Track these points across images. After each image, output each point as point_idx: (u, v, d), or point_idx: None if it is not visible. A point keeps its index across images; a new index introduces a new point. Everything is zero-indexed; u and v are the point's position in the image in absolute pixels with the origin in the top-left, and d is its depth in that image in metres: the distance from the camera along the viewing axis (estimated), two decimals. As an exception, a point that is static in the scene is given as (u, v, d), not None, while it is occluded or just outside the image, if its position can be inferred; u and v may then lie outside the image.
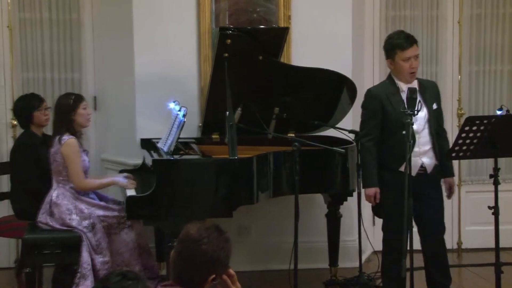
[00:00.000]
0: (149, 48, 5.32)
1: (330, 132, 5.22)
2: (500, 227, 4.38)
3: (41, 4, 5.65)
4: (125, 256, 4.73)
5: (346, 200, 5.15)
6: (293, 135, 5.08)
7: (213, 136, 5.15)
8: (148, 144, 5.15)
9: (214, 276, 2.60)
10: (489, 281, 4.83)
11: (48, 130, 5.09)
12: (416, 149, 4.36)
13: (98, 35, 5.73)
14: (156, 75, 5.30)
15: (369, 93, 4.61)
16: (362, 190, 4.92)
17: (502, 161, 5.43)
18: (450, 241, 5.68)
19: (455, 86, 6.06)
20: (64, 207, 4.65)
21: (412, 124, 4.06)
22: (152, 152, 4.98)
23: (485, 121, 4.19)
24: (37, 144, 5.04)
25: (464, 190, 5.97)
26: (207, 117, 5.05)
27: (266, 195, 4.58)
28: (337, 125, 5.14)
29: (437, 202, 4.59)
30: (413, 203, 4.41)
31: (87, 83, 5.76)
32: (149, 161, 4.84)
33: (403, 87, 4.46)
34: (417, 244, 4.60)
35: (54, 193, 4.70)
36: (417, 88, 4.45)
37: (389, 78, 4.57)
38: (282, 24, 5.37)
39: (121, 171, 5.18)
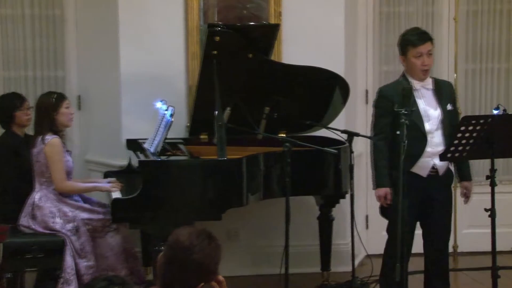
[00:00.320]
0: (135, 45, 5.32)
1: (322, 132, 5.24)
2: (497, 230, 4.40)
3: (23, -1, 5.65)
4: (110, 261, 4.73)
5: (338, 202, 5.17)
6: (284, 135, 5.09)
7: (202, 137, 5.16)
8: (134, 145, 5.15)
9: (203, 284, 2.61)
10: (486, 285, 4.85)
11: (30, 130, 5.09)
12: (428, 149, 4.40)
13: (82, 32, 5.73)
14: (142, 73, 5.30)
15: (381, 92, 4.64)
16: (355, 192, 4.95)
17: (499, 162, 5.47)
18: (445, 244, 5.71)
19: (451, 85, 6.10)
20: (47, 209, 4.64)
21: (407, 124, 4.08)
22: (138, 153, 4.98)
23: (481, 121, 4.21)
24: (18, 144, 5.03)
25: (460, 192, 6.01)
26: (195, 117, 5.06)
27: (256, 197, 4.59)
28: (329, 125, 5.15)
29: (446, 208, 4.62)
30: (421, 206, 4.47)
31: (71, 82, 5.75)
32: (135, 162, 4.85)
33: (416, 85, 4.50)
34: (415, 247, 4.65)
35: (37, 195, 4.69)
36: (432, 87, 4.50)
37: (403, 76, 4.60)
38: (272, 20, 5.38)
39: (106, 173, 5.19)
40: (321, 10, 5.49)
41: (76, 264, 4.56)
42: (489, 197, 4.35)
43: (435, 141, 4.49)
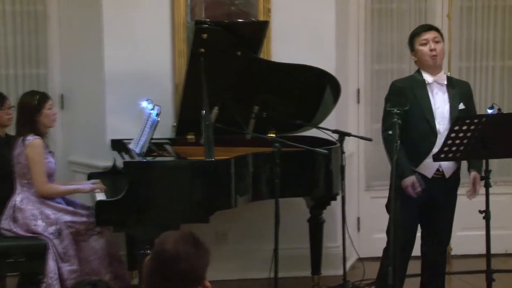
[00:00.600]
0: (120, 42, 5.31)
1: (313, 132, 5.25)
2: (492, 232, 4.41)
3: (4, -6, 5.64)
4: (94, 265, 4.72)
5: (329, 204, 5.18)
6: (274, 135, 5.09)
7: (189, 137, 5.16)
8: (118, 145, 5.15)
9: None
10: (480, 289, 4.88)
11: (12, 130, 5.07)
12: (435, 149, 4.41)
13: (65, 29, 5.72)
14: (127, 72, 5.30)
15: (393, 85, 4.67)
16: (347, 194, 4.96)
17: (494, 163, 5.48)
18: (439, 247, 5.73)
19: (444, 84, 6.12)
20: (28, 212, 4.63)
21: (399, 123, 4.09)
22: (123, 153, 4.98)
23: (475, 121, 4.23)
24: (-1, 145, 5.02)
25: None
26: (182, 117, 5.06)
27: (245, 199, 4.60)
28: (320, 125, 5.16)
29: (449, 212, 4.65)
30: (424, 208, 4.49)
31: (53, 80, 5.74)
32: (120, 164, 4.84)
33: (429, 79, 4.53)
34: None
35: (18, 198, 4.68)
36: (445, 83, 4.53)
37: (417, 71, 4.64)
38: (261, 17, 5.39)
39: (90, 174, 5.18)
40: (311, 7, 5.50)
41: (59, 268, 4.55)
42: (483, 198, 4.37)
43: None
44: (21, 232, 4.61)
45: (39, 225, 4.60)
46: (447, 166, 4.53)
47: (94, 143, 5.47)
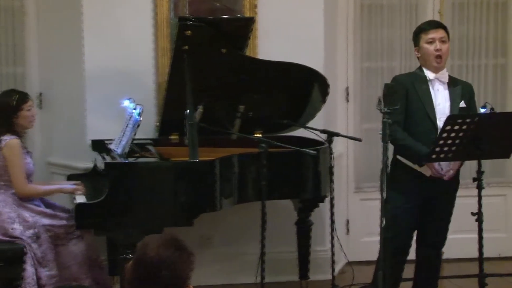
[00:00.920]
0: (101, 39, 5.30)
1: (301, 132, 5.26)
2: (484, 235, 4.44)
3: (-21, -10, 5.62)
4: (73, 270, 4.70)
5: (317, 206, 5.20)
6: (260, 135, 5.10)
7: (172, 137, 5.15)
8: (99, 146, 5.14)
9: None
10: (473, 293, 4.91)
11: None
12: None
13: (43, 25, 5.69)
14: (108, 70, 5.29)
15: (395, 80, 4.70)
16: (335, 195, 4.96)
17: (486, 164, 5.50)
18: (430, 250, 5.76)
19: (436, 82, 6.14)
20: (5, 215, 4.61)
21: (390, 123, 4.11)
22: (104, 154, 4.97)
23: (467, 120, 4.25)
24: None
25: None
26: (165, 116, 5.05)
27: (230, 201, 4.60)
28: (308, 125, 5.17)
29: (446, 214, 4.70)
30: (420, 208, 4.52)
31: (31, 78, 5.71)
32: (100, 165, 4.83)
33: (431, 76, 4.57)
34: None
35: (-6, 200, 4.67)
36: (446, 81, 4.58)
37: (419, 68, 4.69)
38: (247, 13, 5.39)
39: (70, 176, 5.17)
40: (299, 2, 5.51)
41: (37, 274, 4.54)
42: (476, 200, 4.39)
43: None
44: (-2, 236, 4.60)
45: (17, 229, 4.59)
46: (447, 167, 4.55)
47: (74, 143, 5.45)
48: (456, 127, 4.24)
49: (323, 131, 5.01)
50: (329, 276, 5.18)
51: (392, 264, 4.39)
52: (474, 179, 4.42)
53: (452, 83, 4.64)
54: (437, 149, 4.30)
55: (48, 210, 4.78)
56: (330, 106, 5.56)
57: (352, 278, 5.36)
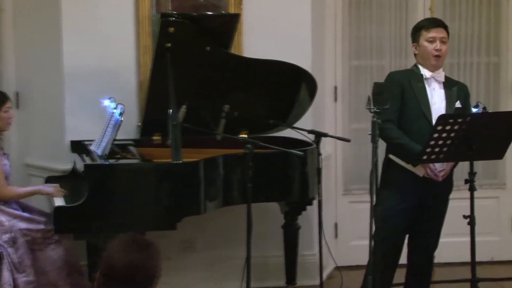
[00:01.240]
0: (80, 36, 5.29)
1: (288, 133, 5.27)
2: (477, 239, 4.46)
3: (-47, -15, 5.59)
4: (51, 276, 4.69)
5: (305, 209, 5.20)
6: (246, 136, 5.10)
7: (154, 138, 5.15)
8: (79, 147, 5.13)
9: None
10: (465, 298, 4.93)
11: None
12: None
13: (20, 21, 5.68)
14: (88, 68, 5.28)
15: (390, 76, 4.73)
16: (324, 198, 4.97)
17: (479, 165, 5.54)
18: (421, 254, 5.78)
19: (427, 81, 6.16)
20: (-19, 219, 4.60)
21: (380, 123, 4.12)
22: (83, 156, 4.96)
23: (459, 120, 4.27)
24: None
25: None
26: (147, 116, 5.05)
27: (215, 204, 4.60)
28: (295, 125, 5.18)
29: (439, 217, 4.72)
30: (413, 210, 4.54)
31: (8, 77, 5.70)
32: (80, 167, 4.82)
33: (427, 74, 4.61)
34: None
35: (-30, 204, 4.66)
36: (443, 80, 4.62)
37: (414, 65, 4.72)
38: (232, 10, 5.39)
39: (48, 178, 5.15)
40: (285, -2, 5.53)
41: (14, 280, 4.53)
42: (468, 203, 4.41)
43: None
44: (-27, 241, 4.58)
45: (-8, 233, 4.58)
46: (441, 167, 4.57)
47: (52, 144, 5.44)
48: (448, 127, 4.25)
49: (310, 132, 5.02)
50: (317, 281, 5.19)
51: (383, 269, 4.41)
52: (466, 181, 4.44)
53: (448, 83, 4.67)
54: (428, 149, 4.32)
55: (25, 214, 4.76)
56: (318, 105, 5.57)
57: (340, 283, 5.37)
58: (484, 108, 4.72)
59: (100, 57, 5.29)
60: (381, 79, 4.81)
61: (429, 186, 4.57)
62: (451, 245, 5.83)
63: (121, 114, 4.71)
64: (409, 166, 4.57)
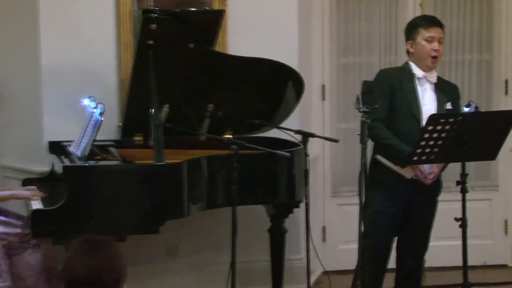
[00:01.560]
0: (58, 33, 5.28)
1: (274, 133, 5.28)
2: (469, 242, 4.48)
3: None
4: (28, 282, 4.68)
5: (291, 212, 5.21)
6: (231, 136, 5.11)
7: (136, 138, 5.15)
8: (57, 148, 5.12)
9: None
10: (457, 304, 4.95)
11: None
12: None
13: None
14: (66, 66, 5.27)
15: (381, 74, 4.76)
16: (311, 200, 4.98)
17: (471, 166, 5.57)
18: (412, 258, 5.80)
19: (417, 79, 6.18)
20: (-45, 223, 4.59)
21: (369, 123, 4.14)
22: (62, 157, 4.95)
23: (450, 120, 4.29)
24: None
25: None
26: (129, 116, 5.04)
27: (199, 207, 4.61)
28: (281, 125, 5.19)
29: (428, 220, 4.74)
30: (401, 213, 4.56)
31: (-17, 76, 5.69)
32: (59, 168, 4.81)
33: (420, 74, 4.64)
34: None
35: None
36: (435, 81, 4.66)
37: (406, 63, 4.74)
38: (216, 6, 5.39)
39: (25, 180, 5.13)
40: (271, -6, 5.54)
41: (-10, 286, 4.52)
42: (459, 205, 4.43)
43: None
44: None
45: (-33, 238, 4.57)
46: (428, 170, 4.59)
47: (30, 145, 5.43)
48: (439, 127, 4.27)
49: (297, 132, 5.03)
50: (304, 286, 5.20)
51: (371, 273, 4.42)
52: (458, 183, 4.46)
53: (440, 84, 4.70)
54: (419, 150, 4.34)
55: (2, 218, 4.74)
56: (305, 105, 5.58)
57: (329, 289, 5.40)
58: (476, 107, 4.73)
59: (79, 54, 5.28)
60: (371, 77, 4.82)
61: (417, 187, 4.59)
62: (442, 249, 5.86)
63: (101, 113, 4.70)
64: (397, 168, 4.60)
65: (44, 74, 5.30)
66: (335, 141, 5.28)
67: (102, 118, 4.70)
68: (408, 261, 4.79)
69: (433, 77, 4.69)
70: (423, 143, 4.31)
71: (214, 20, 4.93)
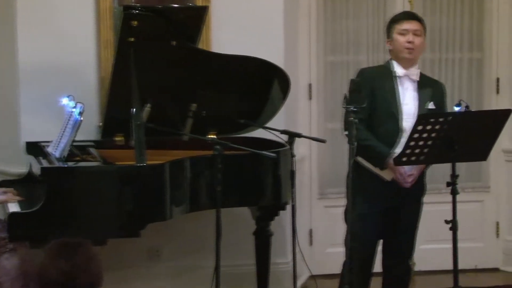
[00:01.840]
0: (36, 30, 5.27)
1: (259, 133, 5.27)
2: (460, 245, 4.48)
3: None
4: (5, 286, 4.67)
5: (277, 214, 5.20)
6: (214, 136, 5.10)
7: (117, 139, 5.13)
8: (35, 149, 5.10)
9: None
10: (447, 308, 4.96)
11: None
12: (397, 149, 4.48)
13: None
14: (44, 64, 5.26)
15: (361, 73, 4.77)
16: (297, 203, 4.98)
17: (461, 167, 5.57)
18: (401, 262, 5.80)
19: (406, 78, 6.19)
20: None
21: (357, 123, 4.14)
22: (40, 158, 4.93)
23: (440, 119, 4.30)
24: None
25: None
26: (109, 115, 5.03)
27: (182, 209, 4.60)
28: (267, 125, 5.19)
29: (412, 222, 4.75)
30: (384, 216, 4.58)
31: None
32: (36, 170, 4.79)
33: (400, 72, 4.65)
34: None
35: None
36: (417, 79, 4.66)
37: (387, 62, 4.77)
38: (199, 2, 5.41)
39: (1, 182, 5.11)
40: (256, -10, 5.54)
41: (-35, 292, 4.50)
42: (450, 207, 4.44)
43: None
44: None
45: None
46: (409, 171, 4.60)
47: (6, 146, 5.41)
48: (428, 127, 4.27)
49: (283, 132, 5.03)
50: (290, 291, 5.21)
51: (358, 277, 4.43)
52: (448, 184, 4.46)
53: (423, 82, 4.71)
54: (408, 151, 4.34)
55: (-23, 221, 4.74)
56: (292, 104, 5.58)
57: (315, 293, 5.40)
58: (467, 106, 4.73)
59: (57, 52, 5.27)
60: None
61: (399, 190, 4.61)
62: (432, 252, 5.88)
63: (80, 113, 4.69)
64: (376, 170, 4.61)
65: (22, 73, 5.28)
66: (322, 141, 5.28)
67: (82, 118, 4.69)
68: (393, 263, 4.80)
69: (414, 74, 4.70)
70: (412, 143, 4.31)
71: (198, 16, 4.92)
